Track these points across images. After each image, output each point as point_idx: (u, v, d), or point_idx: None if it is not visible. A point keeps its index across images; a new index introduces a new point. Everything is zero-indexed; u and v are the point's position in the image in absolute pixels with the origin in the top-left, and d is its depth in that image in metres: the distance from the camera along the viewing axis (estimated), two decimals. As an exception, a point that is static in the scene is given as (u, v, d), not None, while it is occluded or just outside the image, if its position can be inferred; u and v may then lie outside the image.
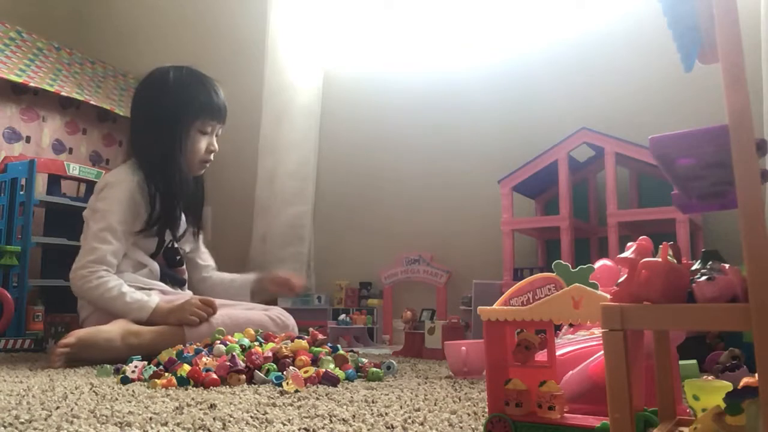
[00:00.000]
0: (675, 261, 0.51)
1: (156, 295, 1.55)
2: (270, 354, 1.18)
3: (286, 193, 2.39)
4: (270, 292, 1.92)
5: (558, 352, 0.71)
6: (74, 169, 2.05)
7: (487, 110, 2.18)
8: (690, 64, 0.57)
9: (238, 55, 2.65)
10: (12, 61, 2.20)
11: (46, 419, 0.74)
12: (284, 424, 0.74)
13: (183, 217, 1.76)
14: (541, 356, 0.66)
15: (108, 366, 1.20)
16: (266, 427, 0.73)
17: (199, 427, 0.72)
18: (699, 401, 0.67)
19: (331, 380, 1.09)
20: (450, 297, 2.11)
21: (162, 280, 1.68)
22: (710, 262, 0.48)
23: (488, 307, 0.65)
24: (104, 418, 0.76)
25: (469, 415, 0.82)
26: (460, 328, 1.62)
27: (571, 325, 0.85)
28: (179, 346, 1.30)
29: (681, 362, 0.95)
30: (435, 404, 0.90)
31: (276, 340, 1.31)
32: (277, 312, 1.62)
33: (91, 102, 2.36)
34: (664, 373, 0.59)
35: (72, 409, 0.81)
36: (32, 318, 1.85)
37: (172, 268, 1.75)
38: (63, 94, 2.27)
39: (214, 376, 1.07)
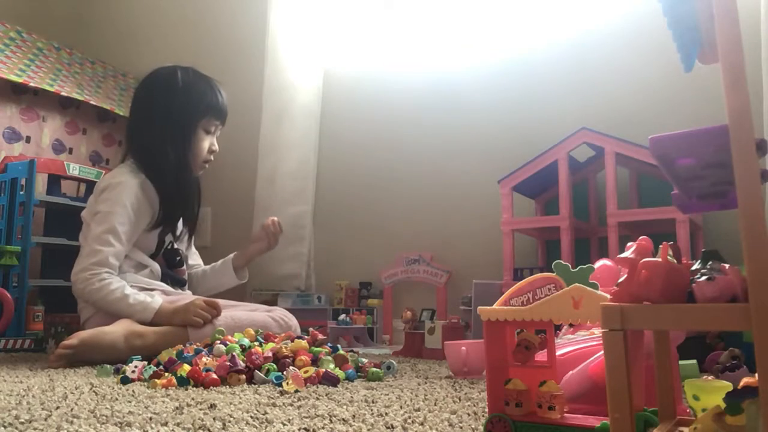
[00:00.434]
0: (675, 261, 0.51)
1: (159, 296, 1.55)
2: (270, 354, 1.18)
3: (286, 193, 2.39)
4: (253, 254, 1.91)
5: (558, 352, 0.71)
6: (74, 169, 2.05)
7: (487, 110, 2.18)
8: (690, 64, 0.57)
9: (238, 55, 2.65)
10: (12, 61, 2.20)
11: (46, 419, 0.74)
12: (284, 424, 0.74)
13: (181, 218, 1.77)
14: (541, 356, 0.66)
15: (108, 366, 1.20)
16: (266, 427, 0.73)
17: (199, 427, 0.72)
18: (699, 401, 0.67)
19: (331, 380, 1.09)
20: (450, 297, 2.11)
21: (162, 280, 1.69)
22: (710, 262, 0.48)
23: (488, 307, 0.65)
24: (104, 418, 0.76)
25: (469, 415, 0.82)
26: (460, 328, 1.62)
27: (571, 325, 0.85)
28: (179, 346, 1.30)
29: (681, 362, 0.95)
30: (435, 404, 0.90)
31: (276, 340, 1.31)
32: (280, 313, 1.62)
33: (91, 102, 2.36)
34: (664, 373, 0.59)
35: (72, 409, 0.81)
36: (32, 318, 1.85)
37: (173, 269, 1.75)
38: (63, 94, 2.27)
39: (214, 376, 1.07)
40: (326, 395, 0.97)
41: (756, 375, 0.42)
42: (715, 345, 1.32)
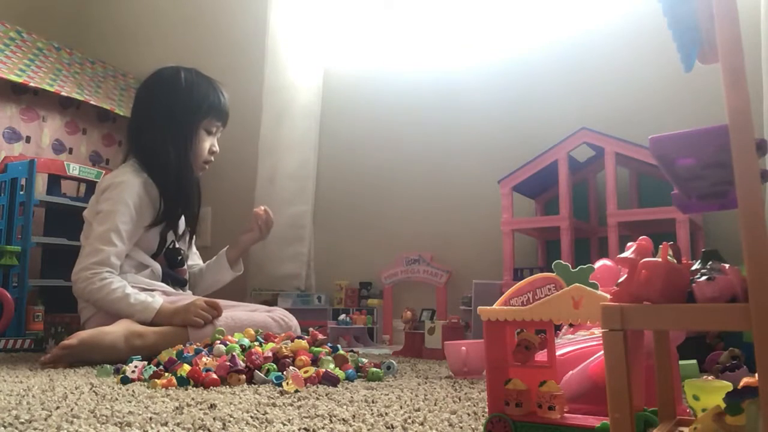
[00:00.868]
0: (675, 261, 0.51)
1: (159, 296, 1.55)
2: (270, 354, 1.18)
3: (286, 193, 2.39)
4: (245, 244, 1.90)
5: (558, 352, 0.71)
6: (74, 169, 2.05)
7: (487, 110, 2.18)
8: (690, 64, 0.57)
9: (238, 55, 2.65)
10: (12, 61, 2.20)
11: (46, 419, 0.74)
12: (284, 424, 0.74)
13: (182, 217, 1.77)
14: (541, 356, 0.66)
15: (108, 366, 1.20)
16: (266, 427, 0.73)
17: (199, 427, 0.72)
18: (699, 401, 0.67)
19: (331, 380, 1.09)
20: (450, 297, 2.11)
21: (163, 280, 1.69)
22: (710, 262, 0.48)
23: (488, 307, 0.65)
24: (104, 418, 0.76)
25: (469, 415, 0.82)
26: (460, 328, 1.62)
27: (571, 325, 0.85)
28: (179, 346, 1.30)
29: (681, 362, 0.95)
30: (435, 404, 0.90)
31: (276, 340, 1.31)
32: (280, 313, 1.63)
33: (91, 102, 2.36)
34: (664, 373, 0.59)
35: (72, 409, 0.81)
36: (32, 318, 1.85)
37: (173, 269, 1.75)
38: (63, 94, 2.27)
39: (214, 376, 1.07)
40: (326, 395, 0.97)
41: (756, 375, 0.42)
42: (715, 345, 1.32)
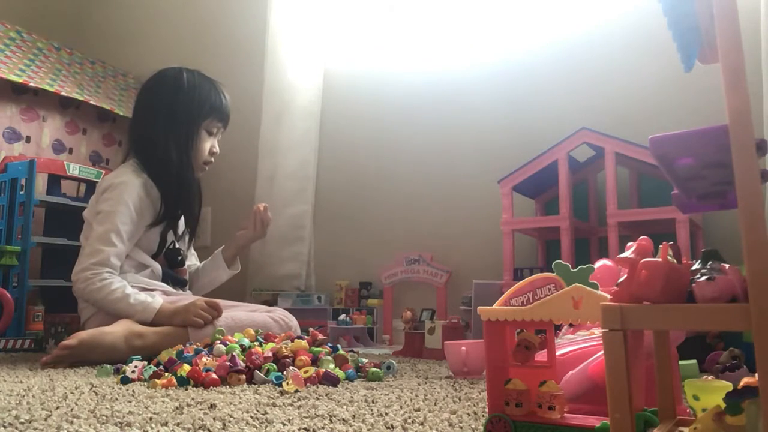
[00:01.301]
0: (675, 261, 0.51)
1: (159, 296, 1.55)
2: (270, 354, 1.18)
3: (286, 193, 2.39)
4: (241, 241, 1.89)
5: (558, 352, 0.71)
6: (74, 169, 2.05)
7: (487, 110, 2.18)
8: (690, 64, 0.57)
9: (238, 55, 2.65)
10: (12, 61, 2.20)
11: (46, 419, 0.74)
12: (284, 424, 0.74)
13: (182, 218, 1.77)
14: (541, 356, 0.66)
15: (108, 366, 1.20)
16: (266, 427, 0.73)
17: (199, 427, 0.72)
18: (699, 401, 0.67)
19: (331, 380, 1.09)
20: (450, 297, 2.11)
21: (163, 280, 1.69)
22: (710, 262, 0.48)
23: (488, 307, 0.65)
24: (104, 418, 0.76)
25: (469, 415, 0.82)
26: (460, 328, 1.62)
27: (571, 325, 0.85)
28: (179, 346, 1.30)
29: (681, 362, 0.95)
30: (435, 404, 0.90)
31: (276, 340, 1.31)
32: (281, 314, 1.63)
33: (91, 102, 2.36)
34: (664, 373, 0.59)
35: (72, 409, 0.81)
36: (32, 318, 1.85)
37: (173, 269, 1.75)
38: (63, 94, 2.27)
39: (214, 376, 1.07)
40: (326, 395, 0.97)
41: (756, 375, 0.42)
42: (715, 345, 1.32)
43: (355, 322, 1.99)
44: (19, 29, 2.36)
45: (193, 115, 1.71)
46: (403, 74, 2.35)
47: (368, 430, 0.72)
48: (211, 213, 2.57)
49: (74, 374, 1.20)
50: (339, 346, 1.32)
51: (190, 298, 1.60)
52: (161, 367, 1.17)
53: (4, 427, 0.70)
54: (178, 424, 0.73)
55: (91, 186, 2.10)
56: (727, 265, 0.48)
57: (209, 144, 1.77)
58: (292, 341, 1.27)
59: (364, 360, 1.26)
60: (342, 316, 1.99)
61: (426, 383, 1.13)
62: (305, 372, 1.10)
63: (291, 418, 0.78)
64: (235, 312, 1.57)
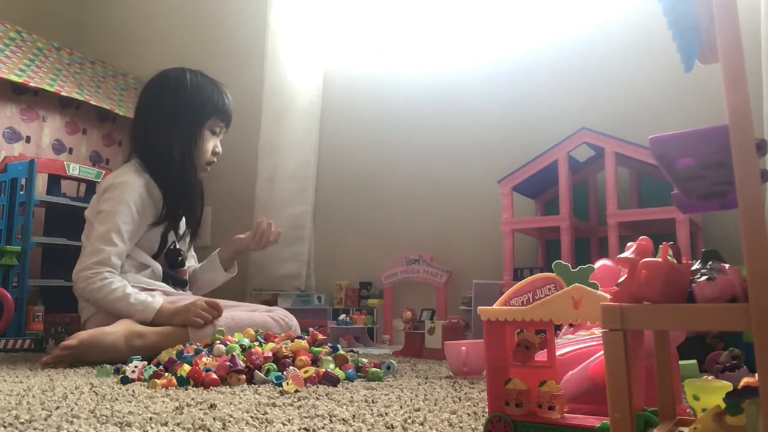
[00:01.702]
0: (675, 261, 0.51)
1: (159, 296, 1.55)
2: (270, 354, 1.18)
3: (286, 193, 2.39)
4: (236, 246, 1.89)
5: (558, 352, 0.71)
6: (74, 169, 2.05)
7: (487, 110, 2.18)
8: (690, 64, 0.57)
9: (238, 55, 2.65)
10: (12, 61, 2.20)
11: (46, 419, 0.74)
12: (284, 424, 0.74)
13: (183, 218, 1.77)
14: (541, 356, 0.66)
15: (108, 366, 1.20)
16: (266, 427, 0.73)
17: (199, 427, 0.72)
18: (699, 401, 0.67)
19: (331, 380, 1.09)
20: (450, 297, 2.11)
21: (164, 280, 1.69)
22: (710, 262, 0.48)
23: (488, 307, 0.65)
24: (104, 418, 0.76)
25: (469, 415, 0.82)
26: (460, 328, 1.62)
27: (571, 325, 0.85)
28: (179, 346, 1.30)
29: (681, 362, 0.95)
30: (435, 404, 0.90)
31: (276, 340, 1.31)
32: (281, 314, 1.63)
33: (91, 102, 2.36)
34: (664, 373, 0.59)
35: (72, 409, 0.81)
36: (32, 318, 1.85)
37: (174, 269, 1.75)
38: (63, 94, 2.27)
39: (214, 376, 1.07)
40: (326, 395, 0.97)
41: (756, 375, 0.42)
42: (715, 345, 1.32)
43: (355, 322, 1.99)
44: (19, 29, 2.36)
45: (195, 115, 1.72)
46: (403, 75, 2.35)
47: (368, 430, 0.72)
48: (211, 213, 2.57)
49: (74, 374, 1.20)
50: (339, 346, 1.32)
51: (191, 298, 1.60)
52: (161, 367, 1.17)
53: (4, 427, 0.70)
54: (178, 424, 0.73)
55: (91, 186, 2.10)
56: (727, 265, 0.48)
57: (212, 144, 1.77)
58: (292, 341, 1.27)
59: (364, 360, 1.26)
60: (342, 316, 1.99)
61: (426, 383, 1.13)
62: (305, 372, 1.10)
63: (291, 418, 0.78)
64: (235, 312, 1.57)
